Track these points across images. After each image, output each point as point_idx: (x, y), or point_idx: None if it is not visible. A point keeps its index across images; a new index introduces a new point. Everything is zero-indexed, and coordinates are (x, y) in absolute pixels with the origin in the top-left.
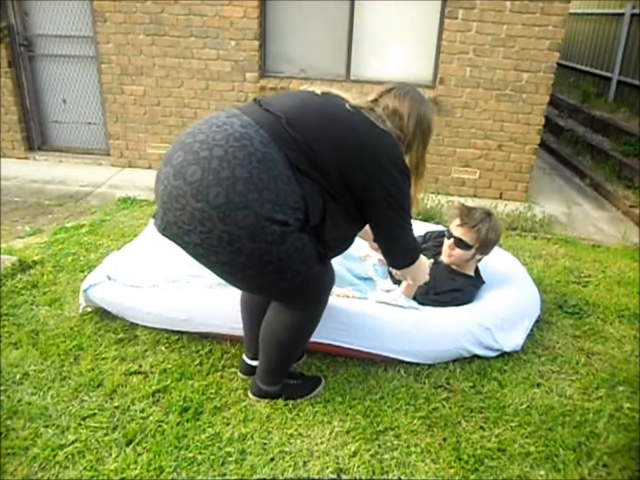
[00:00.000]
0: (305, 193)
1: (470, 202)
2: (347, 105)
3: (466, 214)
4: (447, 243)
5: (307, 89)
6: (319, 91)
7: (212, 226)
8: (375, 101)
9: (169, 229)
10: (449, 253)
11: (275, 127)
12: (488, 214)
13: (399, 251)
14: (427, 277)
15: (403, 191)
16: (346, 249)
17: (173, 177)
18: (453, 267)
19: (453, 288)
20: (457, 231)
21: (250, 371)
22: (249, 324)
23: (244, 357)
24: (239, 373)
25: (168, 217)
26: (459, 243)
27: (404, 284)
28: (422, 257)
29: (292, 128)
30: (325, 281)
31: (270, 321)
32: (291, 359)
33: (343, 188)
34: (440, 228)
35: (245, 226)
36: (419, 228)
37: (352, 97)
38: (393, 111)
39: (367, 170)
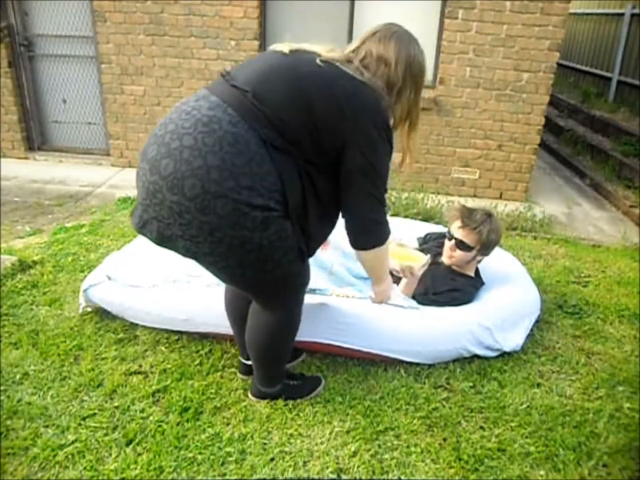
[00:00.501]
0: (281, 171)
1: (470, 202)
2: (318, 60)
3: (467, 216)
4: (448, 244)
5: (275, 48)
6: (287, 49)
7: (191, 218)
8: (357, 49)
9: (149, 225)
10: (449, 255)
11: (242, 103)
12: (489, 215)
13: (363, 225)
14: (390, 296)
15: (379, 155)
16: (327, 235)
17: (149, 172)
18: (453, 267)
19: (453, 288)
20: (458, 233)
21: (248, 370)
22: (235, 329)
23: (240, 357)
24: (238, 374)
25: (148, 212)
26: (460, 244)
27: (403, 282)
28: (388, 279)
29: (259, 101)
30: (303, 279)
31: (251, 327)
32: (281, 361)
33: (320, 158)
34: (440, 228)
35: (224, 215)
36: (419, 228)
37: (325, 50)
38: (377, 57)
39: (340, 130)
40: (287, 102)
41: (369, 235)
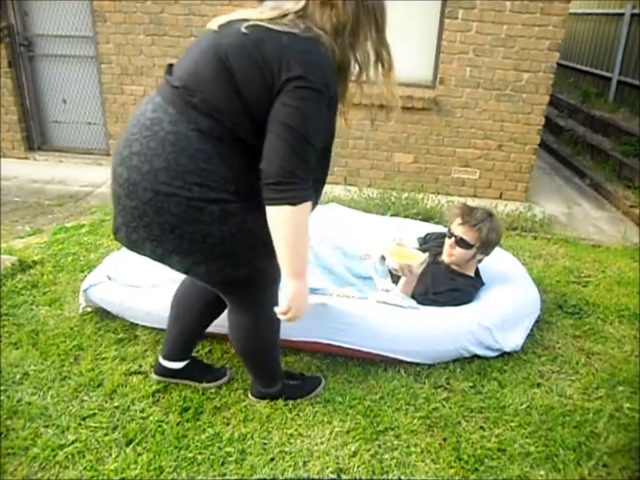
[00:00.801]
0: (229, 162)
1: (470, 202)
2: (243, 29)
3: (467, 213)
4: (448, 242)
5: (209, 26)
6: (216, 26)
7: (150, 220)
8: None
9: (120, 232)
10: (449, 252)
11: (178, 99)
12: (489, 214)
13: (277, 176)
14: (300, 304)
15: (307, 111)
16: None
17: (112, 179)
18: (453, 267)
19: (452, 288)
20: (458, 230)
21: (163, 372)
22: (174, 325)
23: (159, 355)
24: (153, 375)
25: (118, 219)
26: (460, 242)
27: (402, 281)
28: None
29: (190, 94)
30: (273, 276)
31: (230, 329)
32: (271, 361)
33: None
34: (440, 228)
35: (179, 213)
36: (419, 228)
37: (260, 11)
38: (321, 1)
39: (271, 99)
40: (213, 87)
41: (283, 188)
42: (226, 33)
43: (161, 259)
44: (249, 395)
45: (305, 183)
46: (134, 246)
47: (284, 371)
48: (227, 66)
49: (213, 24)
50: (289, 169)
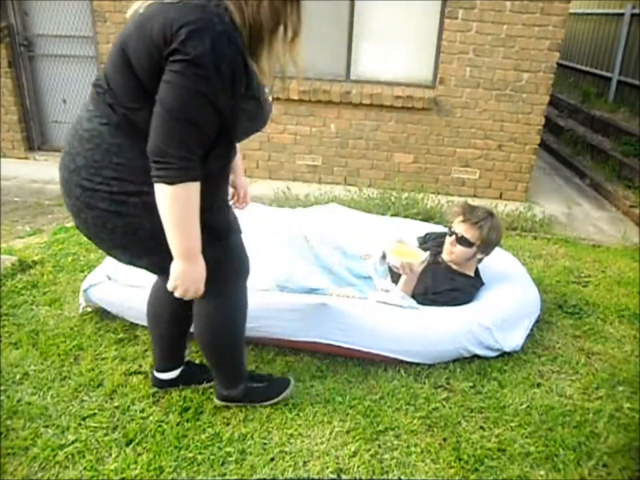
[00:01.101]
0: (144, 153)
1: (470, 202)
2: (140, 9)
3: (469, 211)
4: (449, 240)
5: (129, 12)
6: (132, 11)
7: (85, 215)
8: None
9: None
10: (450, 250)
11: (96, 94)
12: (490, 214)
13: (156, 154)
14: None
15: (183, 91)
16: (224, 196)
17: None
18: (453, 267)
19: (452, 288)
20: (460, 227)
21: (158, 383)
22: (153, 334)
23: (152, 369)
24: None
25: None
26: (461, 240)
27: (402, 280)
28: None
29: (103, 88)
30: (228, 264)
31: (195, 326)
32: (231, 359)
33: None
34: (440, 228)
35: (105, 207)
36: (419, 228)
37: None
38: None
39: (158, 71)
40: (117, 77)
41: (160, 166)
42: (133, 19)
43: (108, 253)
44: (214, 399)
45: (184, 162)
46: (90, 239)
47: (250, 373)
48: (125, 52)
49: (133, 9)
50: (164, 147)
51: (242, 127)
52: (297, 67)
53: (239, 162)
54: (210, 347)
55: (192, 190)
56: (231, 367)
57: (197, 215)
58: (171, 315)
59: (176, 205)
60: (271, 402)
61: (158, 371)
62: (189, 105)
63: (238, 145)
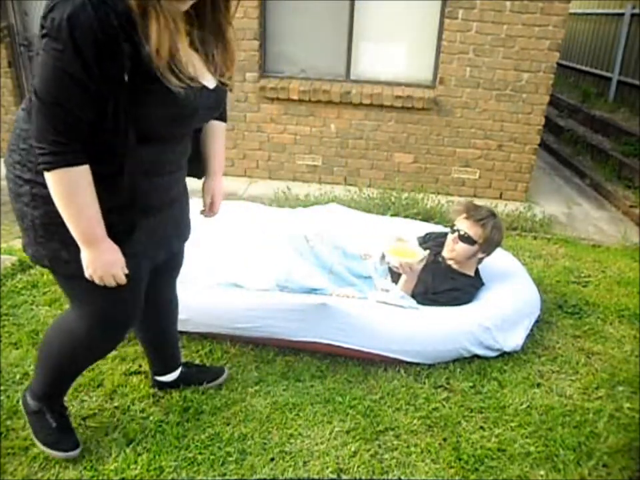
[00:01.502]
0: None
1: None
2: None
3: (473, 209)
4: (451, 237)
5: None
6: None
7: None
8: None
9: None
10: (451, 247)
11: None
12: (493, 214)
13: (37, 145)
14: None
15: (44, 70)
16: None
17: None
18: (454, 266)
19: (452, 287)
20: (463, 225)
21: (157, 384)
22: (139, 339)
23: (150, 371)
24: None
25: None
26: (463, 237)
27: (402, 279)
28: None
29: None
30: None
31: (51, 325)
32: (61, 377)
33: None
34: (440, 228)
35: (10, 187)
36: (419, 228)
37: None
38: None
39: None
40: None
41: (38, 152)
42: None
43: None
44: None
45: (58, 147)
46: None
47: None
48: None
49: None
50: (37, 133)
51: (151, 114)
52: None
53: (214, 162)
54: (47, 351)
55: (77, 174)
56: (52, 383)
57: (93, 199)
58: (141, 323)
59: (60, 191)
60: (205, 385)
61: (157, 374)
62: (53, 84)
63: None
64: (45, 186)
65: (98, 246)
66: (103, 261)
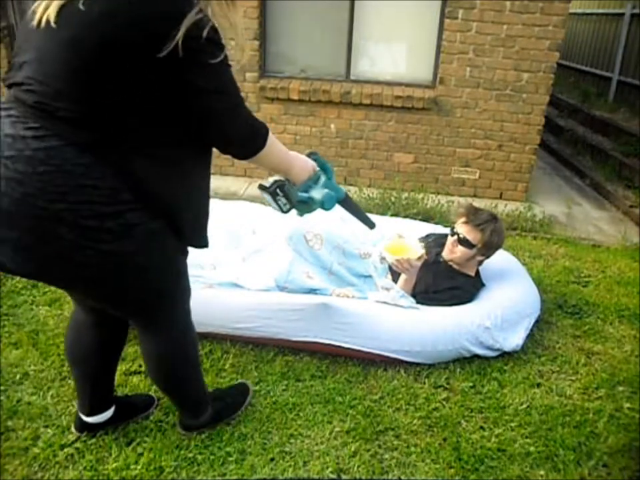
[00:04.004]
0: (116, 169)
1: (474, 204)
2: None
3: (472, 213)
4: (451, 239)
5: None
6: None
7: (40, 250)
8: None
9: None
10: (451, 249)
11: (39, 111)
12: (494, 217)
13: (249, 131)
14: (305, 172)
15: (217, 72)
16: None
17: None
18: (454, 266)
19: (453, 286)
20: (462, 229)
21: (84, 427)
22: (77, 373)
23: (78, 411)
24: (72, 429)
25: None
26: (462, 241)
27: (402, 279)
28: (297, 154)
29: (62, 100)
30: (176, 288)
31: (149, 369)
32: (196, 389)
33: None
34: (440, 229)
35: (72, 237)
36: (419, 228)
37: None
38: None
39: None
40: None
41: (254, 139)
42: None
43: (66, 289)
44: (179, 429)
45: (258, 123)
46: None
47: (211, 394)
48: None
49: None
50: (244, 129)
51: None
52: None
53: None
54: (168, 385)
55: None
56: (194, 396)
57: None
58: (95, 353)
59: (275, 151)
60: (239, 412)
61: (87, 414)
62: (233, 83)
63: None
64: (134, 208)
65: (295, 160)
66: (302, 165)
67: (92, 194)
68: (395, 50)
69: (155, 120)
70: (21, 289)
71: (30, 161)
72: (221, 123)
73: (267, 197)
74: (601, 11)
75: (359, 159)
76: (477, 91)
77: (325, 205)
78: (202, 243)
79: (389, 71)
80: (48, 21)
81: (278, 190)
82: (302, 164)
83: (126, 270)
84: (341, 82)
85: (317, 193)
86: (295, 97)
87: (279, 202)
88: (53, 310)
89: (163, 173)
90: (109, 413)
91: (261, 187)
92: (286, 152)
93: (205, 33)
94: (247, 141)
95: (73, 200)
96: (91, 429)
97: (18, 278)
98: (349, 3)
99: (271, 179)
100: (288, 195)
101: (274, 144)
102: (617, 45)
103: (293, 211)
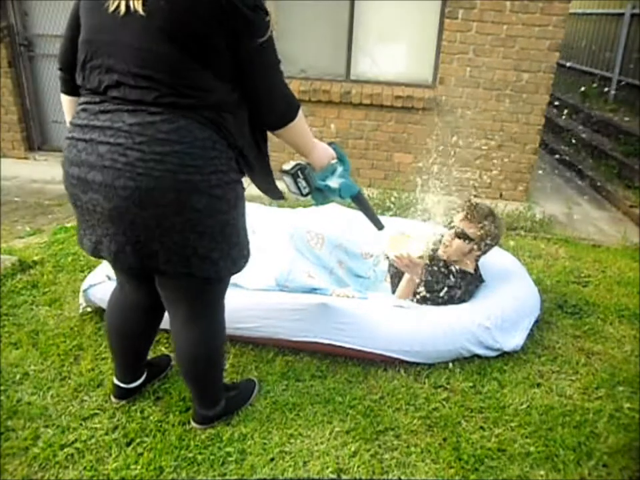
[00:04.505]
0: (231, 141)
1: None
2: None
3: (471, 209)
4: (448, 232)
5: None
6: None
7: (170, 223)
8: None
9: (123, 253)
10: (447, 243)
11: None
12: (492, 212)
13: (280, 102)
14: (325, 158)
15: (262, 28)
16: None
17: (105, 199)
18: (452, 263)
19: (452, 285)
20: (461, 223)
21: (125, 394)
22: (123, 345)
23: (117, 381)
24: (112, 398)
25: (119, 240)
26: (460, 234)
27: (405, 279)
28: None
29: (166, 83)
30: (223, 286)
31: (184, 348)
32: (219, 379)
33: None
34: (441, 229)
35: (201, 207)
36: (420, 228)
37: None
38: None
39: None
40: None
41: (289, 109)
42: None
43: (176, 268)
44: (193, 424)
45: (293, 94)
46: (144, 263)
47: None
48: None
49: None
50: (281, 92)
51: None
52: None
53: None
54: (196, 373)
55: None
56: (215, 387)
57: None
58: (143, 332)
59: (302, 123)
60: (246, 405)
61: (129, 382)
62: (274, 50)
63: None
64: (240, 180)
65: (317, 144)
66: (322, 150)
67: (217, 164)
68: (395, 50)
69: (227, 84)
70: (21, 289)
71: (164, 142)
72: (267, 80)
73: (288, 179)
74: (600, 11)
75: (359, 159)
76: (477, 91)
77: (342, 192)
78: (278, 195)
79: (389, 71)
80: (129, 16)
81: (299, 172)
82: (323, 149)
83: (231, 240)
84: (341, 82)
85: (334, 183)
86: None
87: (300, 184)
88: (52, 310)
89: (241, 130)
90: (143, 377)
91: (282, 171)
92: (310, 134)
93: (255, 2)
94: (285, 105)
95: (207, 171)
96: (129, 394)
97: (18, 278)
98: (349, 2)
99: (293, 162)
100: (308, 179)
101: (302, 121)
102: (616, 45)
103: (294, 210)
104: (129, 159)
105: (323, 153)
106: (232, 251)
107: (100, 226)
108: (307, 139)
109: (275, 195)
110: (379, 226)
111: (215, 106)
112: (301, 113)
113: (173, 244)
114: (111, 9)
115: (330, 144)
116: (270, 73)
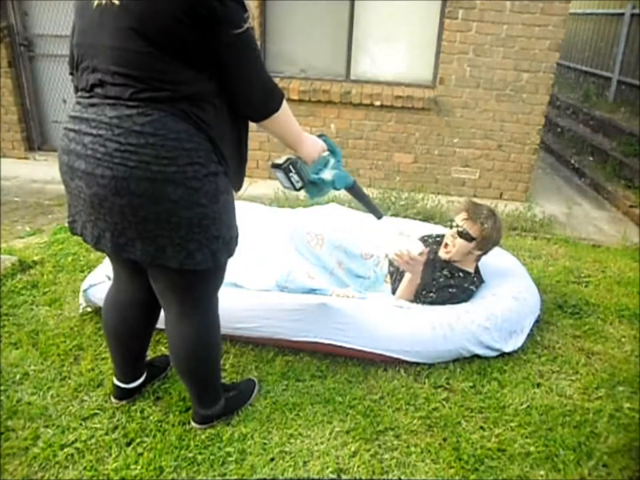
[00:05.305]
0: (208, 134)
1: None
2: None
3: (473, 208)
4: (450, 232)
5: None
6: None
7: (145, 212)
8: None
9: (103, 239)
10: (449, 242)
11: (124, 89)
12: (493, 213)
13: (261, 92)
14: (315, 151)
15: (235, 20)
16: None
17: (86, 186)
18: (453, 263)
19: (452, 284)
20: (462, 223)
21: (125, 394)
22: (118, 343)
23: (117, 381)
24: (112, 399)
25: (99, 226)
26: (462, 233)
27: (405, 279)
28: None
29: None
30: (217, 278)
31: (174, 353)
32: (216, 377)
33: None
34: (440, 229)
35: (176, 198)
36: (419, 228)
37: None
38: None
39: (176, 31)
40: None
41: (269, 100)
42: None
43: (152, 257)
44: (192, 424)
45: (276, 85)
46: (122, 250)
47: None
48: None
49: None
50: (264, 84)
51: None
52: None
53: None
54: (192, 371)
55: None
56: (213, 385)
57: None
58: (140, 330)
59: (286, 116)
60: (245, 405)
61: (129, 382)
62: (254, 41)
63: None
64: (223, 172)
65: (306, 137)
66: (312, 143)
67: (193, 156)
68: (394, 50)
69: (203, 74)
70: (21, 289)
71: (139, 134)
72: (246, 71)
73: (280, 174)
74: (600, 11)
75: (359, 159)
76: (477, 91)
77: (337, 184)
78: (240, 187)
79: (389, 71)
80: (106, 16)
81: (291, 166)
82: (313, 142)
83: (208, 233)
84: (341, 82)
85: (328, 175)
86: (295, 97)
87: (292, 178)
88: (52, 310)
89: (219, 121)
90: (143, 377)
91: (274, 165)
92: (297, 126)
93: None
94: (265, 96)
95: (182, 162)
96: (130, 395)
97: (18, 278)
98: (349, 2)
99: (284, 157)
100: (300, 172)
101: (287, 112)
102: (617, 45)
103: (294, 211)
104: (107, 149)
105: (312, 145)
106: (211, 244)
107: (85, 211)
108: (293, 130)
109: (239, 186)
110: (378, 214)
111: (192, 97)
112: (285, 104)
113: (148, 232)
114: (95, 3)
115: (320, 136)
116: (249, 65)
